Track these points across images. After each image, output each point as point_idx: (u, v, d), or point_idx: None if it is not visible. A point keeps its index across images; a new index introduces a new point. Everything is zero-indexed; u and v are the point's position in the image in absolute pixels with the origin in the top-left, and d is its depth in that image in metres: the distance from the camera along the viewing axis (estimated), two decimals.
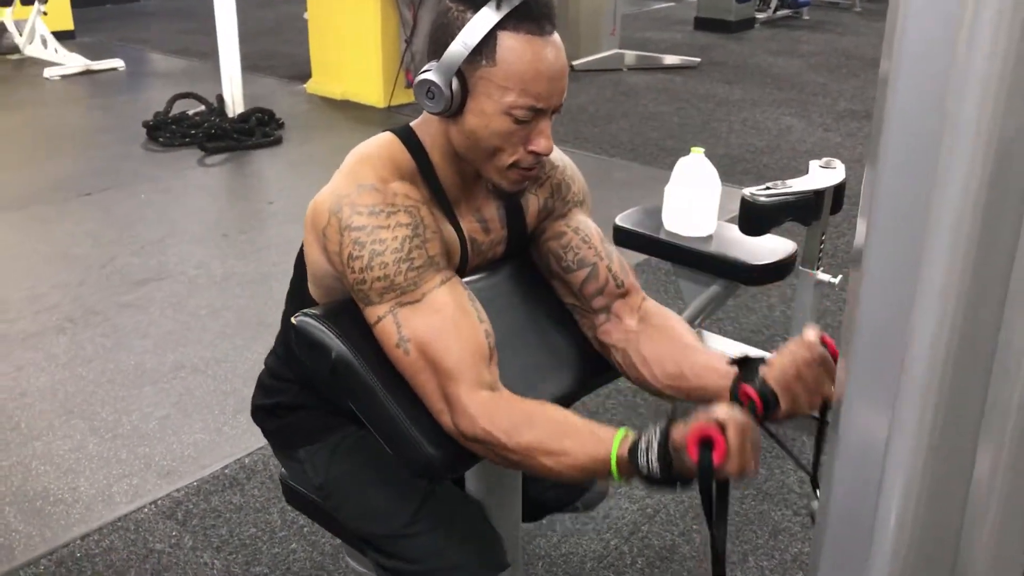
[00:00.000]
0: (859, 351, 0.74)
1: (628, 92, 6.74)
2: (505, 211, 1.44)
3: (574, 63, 7.24)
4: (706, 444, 1.06)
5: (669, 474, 1.09)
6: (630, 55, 7.51)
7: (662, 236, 2.85)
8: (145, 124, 5.38)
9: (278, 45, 8.14)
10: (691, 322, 2.99)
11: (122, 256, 3.86)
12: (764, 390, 1.22)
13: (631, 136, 5.64)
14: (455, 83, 1.26)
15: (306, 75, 6.71)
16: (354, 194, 1.27)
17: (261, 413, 1.59)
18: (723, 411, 1.08)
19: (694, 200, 2.80)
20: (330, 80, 6.47)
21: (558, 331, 1.48)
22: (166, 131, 5.33)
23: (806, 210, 2.62)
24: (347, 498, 1.49)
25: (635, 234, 2.89)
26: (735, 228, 2.68)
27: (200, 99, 5.52)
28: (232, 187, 5.03)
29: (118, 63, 7.25)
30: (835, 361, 1.20)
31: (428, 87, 1.27)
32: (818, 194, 2.61)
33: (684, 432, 1.08)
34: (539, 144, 1.28)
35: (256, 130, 5.40)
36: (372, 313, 1.26)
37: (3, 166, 4.98)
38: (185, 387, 2.91)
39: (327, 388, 1.41)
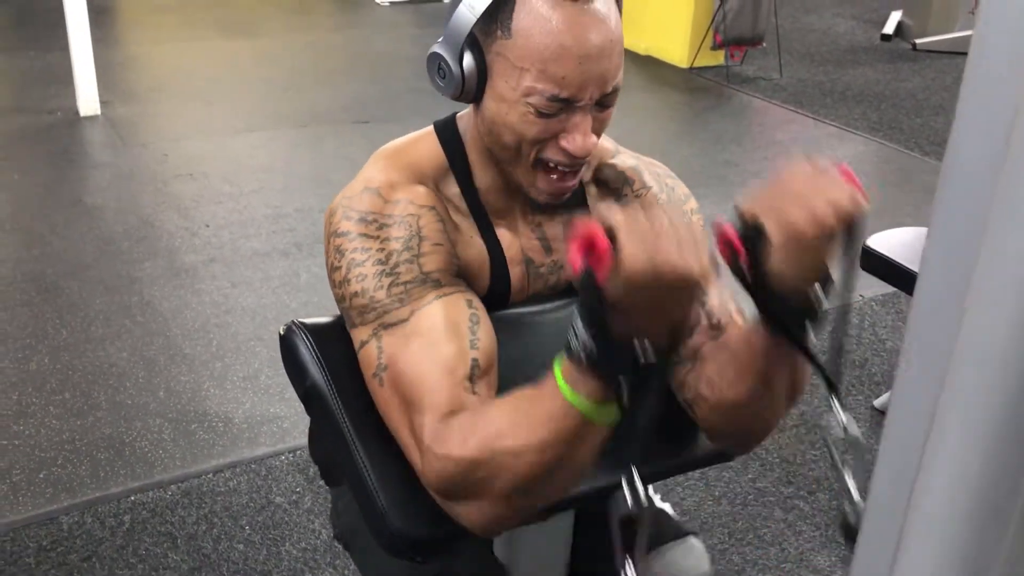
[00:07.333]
0: None
1: None
2: None
3: (917, 41, 6.37)
4: (590, 251, 0.79)
5: (603, 332, 0.79)
6: None
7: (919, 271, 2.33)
8: None
9: None
10: None
11: None
12: (741, 221, 0.87)
13: None
14: (468, 58, 0.98)
15: None
16: (355, 197, 1.04)
17: (313, 441, 1.36)
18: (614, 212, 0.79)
19: None
20: (634, 33, 6.16)
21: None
22: None
23: None
24: (362, 555, 1.26)
25: (885, 262, 2.39)
26: None
27: None
28: None
29: None
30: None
31: (438, 63, 1.00)
32: None
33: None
34: (572, 142, 0.98)
35: None
36: (356, 337, 1.03)
37: (307, 84, 5.23)
38: None
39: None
